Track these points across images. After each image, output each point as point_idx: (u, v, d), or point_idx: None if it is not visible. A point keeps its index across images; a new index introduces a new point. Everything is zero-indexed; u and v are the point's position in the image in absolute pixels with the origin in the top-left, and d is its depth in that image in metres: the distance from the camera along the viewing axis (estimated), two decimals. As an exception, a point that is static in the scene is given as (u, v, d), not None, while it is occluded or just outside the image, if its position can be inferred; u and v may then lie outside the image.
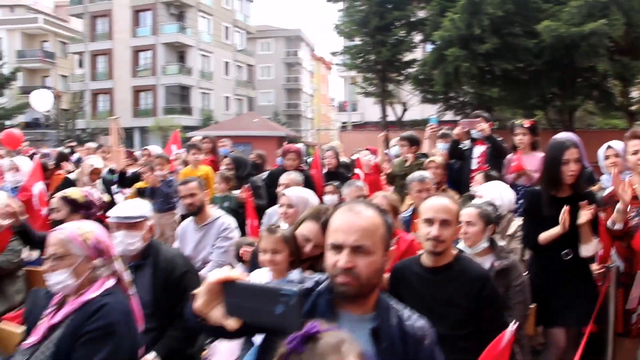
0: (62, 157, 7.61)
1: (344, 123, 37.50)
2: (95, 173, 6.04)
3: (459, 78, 19.02)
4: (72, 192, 3.88)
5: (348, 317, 1.82)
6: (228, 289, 1.46)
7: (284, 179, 5.17)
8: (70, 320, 2.32)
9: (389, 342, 1.82)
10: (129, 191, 6.76)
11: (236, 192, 6.04)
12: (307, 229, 3.05)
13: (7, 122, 34.03)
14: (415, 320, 1.93)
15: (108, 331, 2.28)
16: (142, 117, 43.45)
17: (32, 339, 2.39)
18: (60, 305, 2.45)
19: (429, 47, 23.26)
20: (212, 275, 1.50)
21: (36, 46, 50.36)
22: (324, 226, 2.46)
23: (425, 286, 2.85)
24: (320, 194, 5.42)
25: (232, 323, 1.46)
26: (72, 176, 6.43)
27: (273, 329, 1.55)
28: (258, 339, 3.01)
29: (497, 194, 4.37)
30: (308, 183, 5.82)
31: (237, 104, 51.72)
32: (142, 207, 3.17)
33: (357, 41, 25.27)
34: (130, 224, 3.07)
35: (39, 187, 5.88)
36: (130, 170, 7.27)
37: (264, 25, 62.19)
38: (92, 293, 2.37)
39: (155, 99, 44.16)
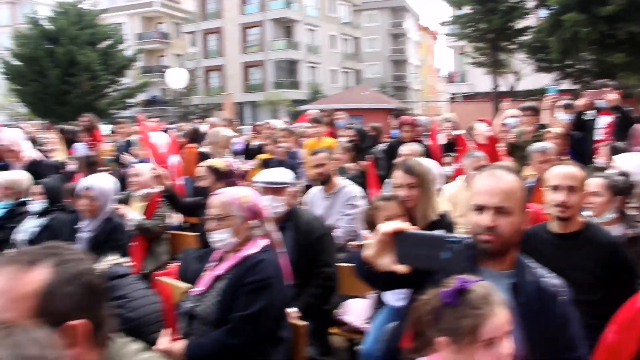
0: (195, 133, 8.16)
1: (453, 94, 36.77)
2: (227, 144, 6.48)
3: (577, 44, 18.05)
4: (217, 162, 4.28)
5: (488, 272, 1.98)
6: (399, 238, 1.67)
7: (405, 150, 5.32)
8: (232, 272, 2.65)
9: (526, 297, 1.97)
10: (253, 162, 7.16)
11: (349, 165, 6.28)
12: None
13: (130, 100, 36.40)
14: (550, 278, 2.06)
15: (265, 284, 2.59)
16: (252, 92, 44.88)
17: (199, 288, 2.75)
18: (221, 259, 2.79)
19: (544, 12, 22.23)
20: (383, 226, 1.71)
21: (153, 28, 53.30)
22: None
23: (555, 252, 2.90)
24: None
25: (402, 268, 1.67)
26: (205, 149, 6.92)
27: (439, 272, 1.75)
28: (391, 299, 3.23)
29: (634, 164, 4.27)
30: (426, 154, 5.94)
31: (344, 77, 52.01)
32: (286, 175, 3.48)
33: (467, 10, 24.61)
34: (276, 189, 3.38)
35: (174, 160, 6.40)
36: (256, 143, 7.70)
37: (368, -4, 61.81)
38: (250, 250, 2.68)
39: (264, 74, 45.41)
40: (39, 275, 1.22)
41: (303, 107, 32.65)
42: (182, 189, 6.07)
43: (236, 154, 7.35)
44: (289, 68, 45.60)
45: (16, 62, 33.70)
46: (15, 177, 4.91)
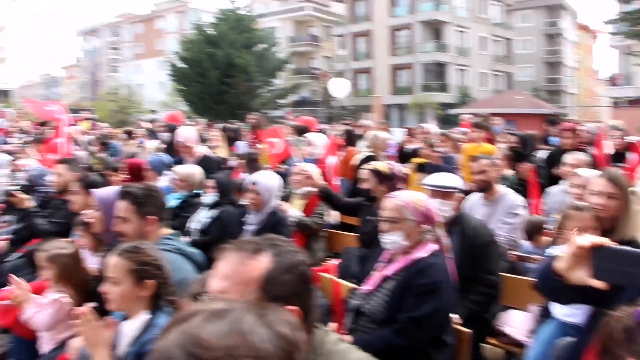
0: (350, 134, 8.36)
1: (615, 99, 34.09)
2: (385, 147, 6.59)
3: None
4: (380, 165, 4.36)
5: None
6: (597, 252, 1.62)
7: (569, 159, 5.07)
8: (401, 274, 2.71)
9: None
10: (408, 166, 7.18)
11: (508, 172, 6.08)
12: None
13: (281, 101, 37.99)
14: None
15: (434, 287, 2.61)
16: (400, 94, 44.80)
17: (367, 287, 2.83)
18: (390, 260, 2.85)
19: None
20: (578, 239, 1.67)
21: (304, 31, 55.15)
22: None
23: None
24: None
25: (598, 284, 1.61)
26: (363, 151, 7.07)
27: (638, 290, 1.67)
28: (560, 313, 3.10)
29: None
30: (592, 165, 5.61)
31: (494, 80, 50.31)
32: (456, 180, 3.47)
33: (638, 5, 22.69)
34: (444, 193, 3.39)
35: (332, 160, 6.59)
36: (410, 146, 7.72)
37: (523, -5, 59.14)
38: (420, 253, 2.72)
39: (412, 77, 45.16)
40: (262, 263, 1.36)
41: (452, 111, 32.09)
42: (337, 189, 6.23)
43: (390, 157, 7.42)
44: (438, 70, 44.96)
45: (181, 65, 36.54)
46: (190, 170, 5.34)
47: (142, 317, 2.20)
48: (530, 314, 3.48)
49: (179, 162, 6.18)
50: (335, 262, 4.57)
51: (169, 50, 67.77)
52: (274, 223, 4.18)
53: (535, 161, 6.25)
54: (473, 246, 3.37)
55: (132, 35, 76.63)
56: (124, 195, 2.83)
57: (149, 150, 10.32)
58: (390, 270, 2.76)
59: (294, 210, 5.08)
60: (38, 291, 3.48)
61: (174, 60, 37.52)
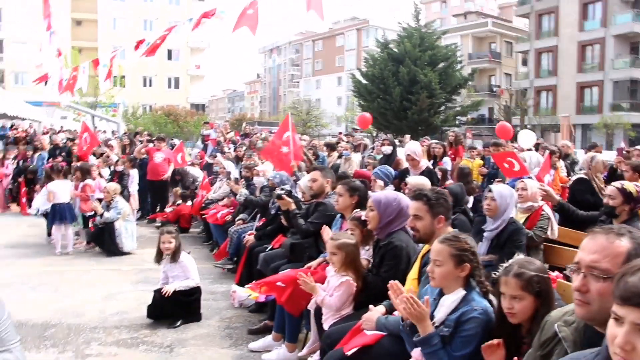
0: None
1: None
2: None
3: None
4: (628, 185, 4.67)
5: None
6: None
7: None
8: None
9: None
10: None
11: None
12: None
13: (462, 118, 37.94)
14: None
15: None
16: (585, 113, 42.47)
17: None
18: None
19: None
20: None
21: (484, 48, 54.33)
22: None
23: None
24: None
25: None
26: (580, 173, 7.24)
27: None
28: None
29: None
30: None
31: (699, 100, 45.61)
32: None
33: None
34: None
35: (547, 178, 6.85)
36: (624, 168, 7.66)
37: None
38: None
39: (601, 95, 42.52)
40: (624, 243, 1.84)
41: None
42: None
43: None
44: (631, 88, 41.85)
45: (364, 81, 38.01)
46: (421, 181, 5.94)
47: (459, 293, 2.77)
48: None
49: (404, 173, 6.84)
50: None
51: (347, 67, 70.94)
52: (512, 230, 4.59)
53: None
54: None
55: (313, 52, 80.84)
56: (419, 196, 3.45)
57: (353, 162, 11.22)
58: None
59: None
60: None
61: (357, 77, 39.13)
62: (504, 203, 4.71)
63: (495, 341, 2.48)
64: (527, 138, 10.92)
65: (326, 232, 4.68)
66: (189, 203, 10.65)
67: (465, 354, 2.61)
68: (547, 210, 5.55)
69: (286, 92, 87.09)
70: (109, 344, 4.96)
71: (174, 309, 5.47)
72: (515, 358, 2.35)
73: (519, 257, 2.67)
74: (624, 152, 11.45)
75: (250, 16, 8.27)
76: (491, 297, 2.76)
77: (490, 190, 4.84)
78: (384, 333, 3.10)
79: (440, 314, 2.75)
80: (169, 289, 5.41)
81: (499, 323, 2.57)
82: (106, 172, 11.12)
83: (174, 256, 5.51)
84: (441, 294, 2.84)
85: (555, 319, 2.12)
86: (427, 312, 2.64)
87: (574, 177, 7.12)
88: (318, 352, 4.06)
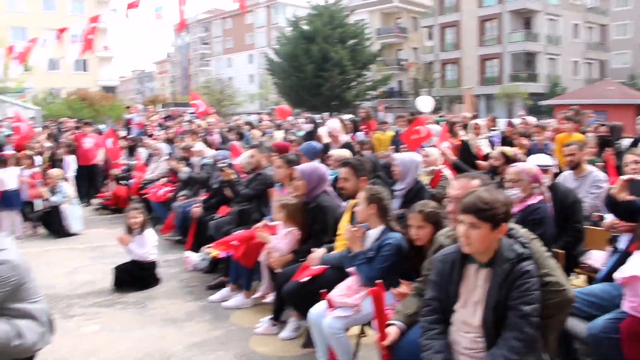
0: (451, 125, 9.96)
1: None
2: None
3: None
4: (507, 150, 6.01)
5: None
6: (630, 183, 3.19)
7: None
8: (519, 214, 4.26)
9: None
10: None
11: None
12: None
13: (373, 92, 39.59)
14: None
15: (541, 221, 4.14)
16: (488, 84, 45.32)
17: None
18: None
19: None
20: (621, 177, 3.21)
21: (392, 23, 56.30)
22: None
23: None
24: None
25: (633, 197, 3.16)
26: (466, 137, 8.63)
27: None
28: (622, 243, 4.51)
29: None
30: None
31: (587, 69, 49.74)
32: (550, 160, 4.99)
33: None
34: (544, 169, 4.90)
35: (445, 145, 8.13)
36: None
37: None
38: (531, 201, 4.26)
39: (501, 67, 45.53)
40: (475, 182, 2.99)
41: (542, 102, 32.47)
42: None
43: (493, 144, 8.94)
44: (527, 60, 45.11)
45: (277, 59, 38.81)
46: (343, 153, 6.99)
47: (380, 228, 3.89)
48: (604, 252, 4.89)
49: (326, 148, 7.93)
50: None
51: (258, 44, 71.16)
52: (418, 189, 5.74)
53: (619, 148, 7.53)
54: (564, 204, 4.83)
55: (222, 30, 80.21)
56: (346, 164, 4.57)
57: (276, 139, 12.21)
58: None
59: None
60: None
61: (269, 55, 39.87)
62: (406, 168, 5.80)
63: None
64: (424, 103, 12.22)
65: (275, 193, 5.74)
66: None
67: (383, 267, 3.75)
68: (446, 172, 6.81)
69: (197, 71, 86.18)
70: (88, 305, 5.77)
71: (136, 278, 6.30)
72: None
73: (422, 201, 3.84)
74: (522, 119, 12.99)
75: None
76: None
77: (394, 159, 5.99)
78: (327, 266, 4.19)
79: (367, 242, 3.88)
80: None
81: (409, 245, 3.71)
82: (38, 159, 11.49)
83: (142, 228, 6.36)
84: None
85: (440, 235, 3.27)
86: (360, 236, 3.80)
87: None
88: (271, 294, 5.14)
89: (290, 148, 8.22)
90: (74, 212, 9.37)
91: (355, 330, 3.98)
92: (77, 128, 14.49)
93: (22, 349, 3.66)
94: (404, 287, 3.53)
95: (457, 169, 6.81)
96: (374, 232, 3.90)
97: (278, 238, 4.97)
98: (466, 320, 2.69)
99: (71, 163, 11.60)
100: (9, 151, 10.84)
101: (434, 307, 2.81)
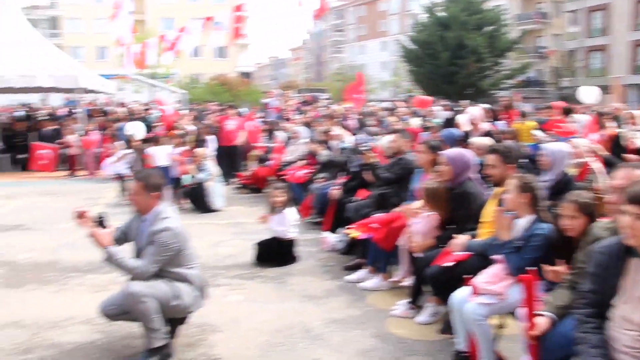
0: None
1: None
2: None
3: None
4: None
5: None
6: None
7: None
8: None
9: None
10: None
11: None
12: None
13: (510, 81, 38.05)
14: None
15: None
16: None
17: None
18: None
19: None
20: None
21: (532, 8, 53.36)
22: None
23: None
24: None
25: None
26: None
27: None
28: None
29: None
30: None
31: None
32: None
33: None
34: None
35: (594, 137, 7.71)
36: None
37: None
38: None
39: (656, 54, 41.79)
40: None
41: None
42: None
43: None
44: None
45: (412, 47, 38.44)
46: (484, 141, 6.86)
47: (530, 217, 3.79)
48: None
49: (466, 136, 7.81)
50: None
51: (391, 31, 70.84)
52: (565, 181, 5.52)
53: None
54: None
55: (356, 17, 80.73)
56: (494, 150, 4.52)
57: (412, 126, 12.17)
58: None
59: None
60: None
61: (404, 42, 39.56)
62: (555, 159, 5.59)
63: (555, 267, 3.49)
64: (589, 93, 11.38)
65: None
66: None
67: (532, 258, 3.62)
68: (595, 165, 6.45)
69: (331, 58, 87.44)
70: (231, 277, 6.15)
71: (276, 254, 6.59)
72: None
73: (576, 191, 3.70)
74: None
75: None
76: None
77: (543, 149, 5.79)
78: (471, 253, 4.17)
79: (515, 231, 3.81)
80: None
81: (559, 236, 3.60)
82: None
83: (284, 207, 6.66)
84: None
85: (597, 227, 3.13)
86: (509, 223, 3.77)
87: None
88: (409, 278, 5.20)
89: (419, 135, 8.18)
90: (217, 190, 9.96)
91: (494, 320, 3.93)
92: (220, 111, 15.34)
93: (178, 309, 4.02)
94: (561, 268, 3.44)
95: (608, 164, 6.43)
96: (523, 221, 3.81)
97: (418, 221, 5.01)
98: (627, 317, 2.55)
99: (211, 143, 12.32)
100: (160, 130, 11.70)
101: (590, 300, 2.71)
